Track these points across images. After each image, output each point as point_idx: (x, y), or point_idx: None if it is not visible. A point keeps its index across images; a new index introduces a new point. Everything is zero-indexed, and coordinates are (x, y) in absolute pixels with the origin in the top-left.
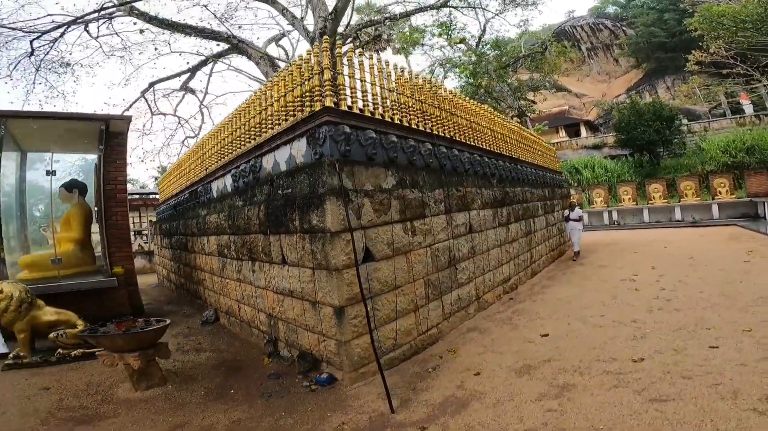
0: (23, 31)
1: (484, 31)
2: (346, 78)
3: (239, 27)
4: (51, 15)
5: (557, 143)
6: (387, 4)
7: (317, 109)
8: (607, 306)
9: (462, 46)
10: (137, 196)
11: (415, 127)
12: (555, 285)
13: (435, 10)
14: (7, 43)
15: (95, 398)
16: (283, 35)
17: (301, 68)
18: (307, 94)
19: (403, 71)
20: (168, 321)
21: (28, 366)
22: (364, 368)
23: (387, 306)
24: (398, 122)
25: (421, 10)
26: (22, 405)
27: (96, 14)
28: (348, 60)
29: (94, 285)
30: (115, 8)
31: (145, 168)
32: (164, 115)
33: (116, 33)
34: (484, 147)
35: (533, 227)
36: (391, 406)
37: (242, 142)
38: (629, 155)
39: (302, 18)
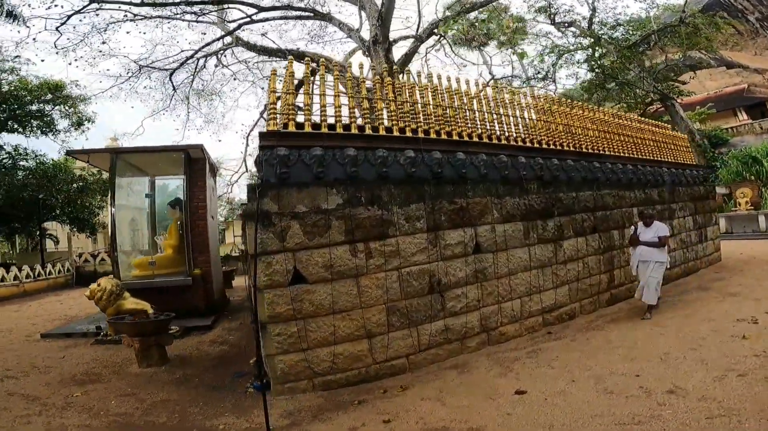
0: (162, 69)
1: (594, 10)
2: (301, 95)
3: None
4: (183, 51)
5: (734, 128)
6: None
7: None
8: (669, 362)
9: (573, 29)
10: None
11: (386, 133)
12: (628, 319)
13: None
14: (154, 81)
15: (110, 368)
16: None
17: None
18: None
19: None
20: (170, 316)
21: (109, 343)
22: (291, 383)
23: (323, 329)
24: (357, 133)
25: None
26: (63, 368)
27: (219, 46)
28: (305, 77)
29: (174, 283)
30: (230, 41)
31: None
32: None
33: (241, 61)
34: (516, 144)
35: (618, 241)
36: (267, 426)
37: None
38: None
39: (358, 29)
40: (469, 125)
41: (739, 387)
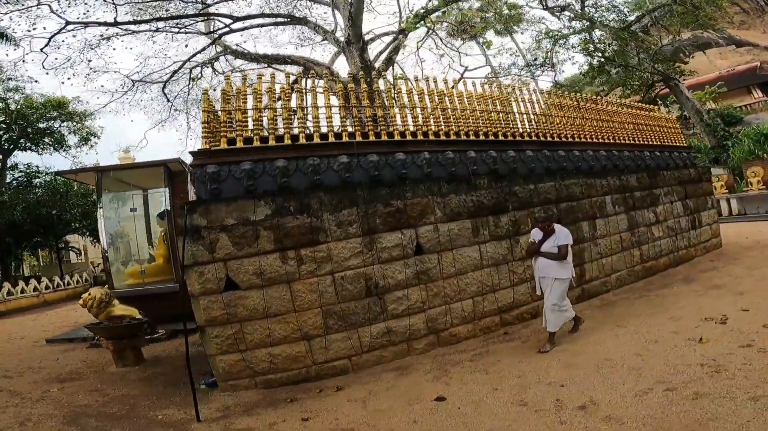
0: (154, 82)
1: None
2: (231, 112)
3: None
4: (175, 62)
5: (748, 106)
6: None
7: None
8: (603, 370)
9: (567, 13)
10: None
11: (322, 141)
12: (593, 317)
13: None
14: (150, 94)
15: (92, 369)
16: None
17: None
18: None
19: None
20: (140, 321)
21: (101, 346)
22: (233, 381)
23: (259, 331)
24: (288, 143)
25: None
26: (54, 369)
27: (210, 56)
28: (223, 95)
29: (163, 290)
30: (220, 50)
31: None
32: None
33: (234, 69)
34: (466, 139)
35: (589, 233)
36: (197, 416)
37: None
38: None
39: (333, 31)
40: (411, 124)
41: (658, 404)
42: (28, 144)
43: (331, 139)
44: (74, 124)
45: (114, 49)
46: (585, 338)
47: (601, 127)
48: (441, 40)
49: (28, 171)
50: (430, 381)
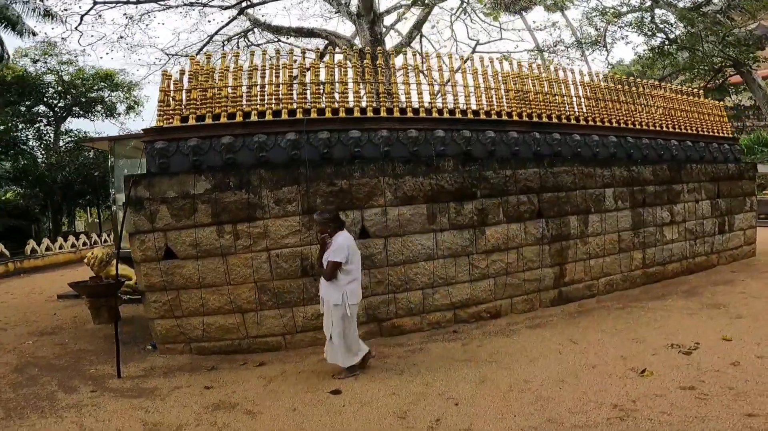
0: (188, 56)
1: None
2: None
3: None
4: (210, 36)
5: None
6: None
7: None
8: (508, 397)
9: None
10: None
11: (274, 118)
12: (557, 325)
13: None
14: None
15: (75, 324)
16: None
17: None
18: None
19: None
20: (118, 282)
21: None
22: (170, 345)
23: (194, 300)
24: (239, 121)
25: None
26: (46, 323)
27: (242, 30)
28: (197, 71)
29: None
30: (249, 26)
31: None
32: None
33: (269, 41)
34: (434, 116)
35: (578, 230)
36: (118, 372)
37: None
38: None
39: (347, 3)
40: (375, 99)
41: None
42: (81, 111)
43: (285, 116)
44: (122, 93)
45: (147, 25)
46: (524, 351)
47: (614, 109)
48: (475, 13)
49: (78, 135)
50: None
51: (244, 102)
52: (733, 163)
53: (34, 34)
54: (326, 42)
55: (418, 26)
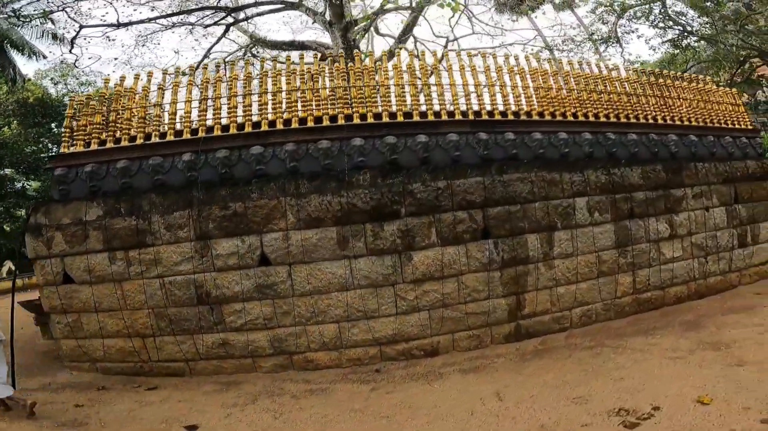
0: (185, 74)
1: None
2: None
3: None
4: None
5: None
6: None
7: None
8: None
9: None
10: None
11: (173, 138)
12: (499, 368)
13: None
14: None
15: (34, 337)
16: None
17: None
18: None
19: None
20: None
21: None
22: (75, 363)
23: (93, 323)
24: (137, 143)
25: None
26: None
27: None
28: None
29: None
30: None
31: None
32: None
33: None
34: (354, 123)
35: (539, 251)
36: (13, 384)
37: None
38: None
39: (322, 13)
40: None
41: None
42: None
43: (186, 136)
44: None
45: (157, 44)
46: (434, 405)
47: (589, 100)
48: (474, 15)
49: None
50: (228, 406)
51: (151, 124)
52: (755, 160)
53: (45, 57)
54: (314, 52)
55: (408, 30)
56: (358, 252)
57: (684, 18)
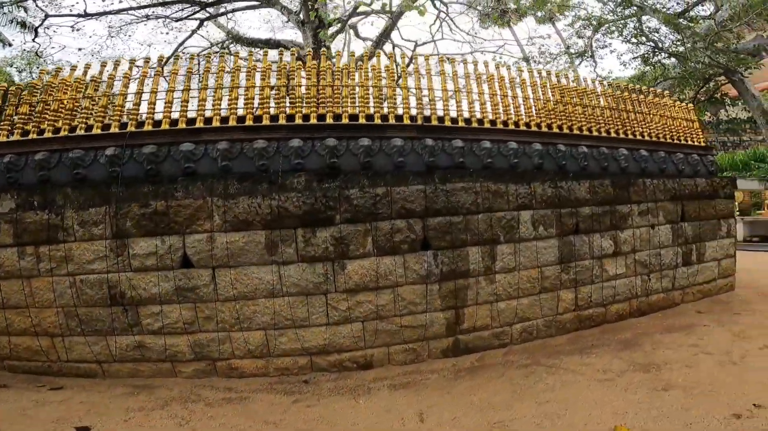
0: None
1: None
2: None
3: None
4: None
5: None
6: None
7: None
8: None
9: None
10: None
11: (99, 132)
12: (423, 388)
13: None
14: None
15: None
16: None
17: None
18: None
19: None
20: None
21: None
22: None
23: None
24: (55, 136)
25: None
26: None
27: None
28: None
29: None
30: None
31: None
32: None
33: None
34: (292, 123)
35: (481, 264)
36: None
37: None
38: None
39: (297, 12)
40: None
41: None
42: None
43: (115, 130)
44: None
45: (129, 37)
46: (351, 424)
47: (543, 111)
48: (454, 23)
49: None
50: (133, 410)
51: (78, 117)
52: (705, 178)
53: (10, 45)
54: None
55: (386, 34)
56: (288, 258)
57: (656, 34)
